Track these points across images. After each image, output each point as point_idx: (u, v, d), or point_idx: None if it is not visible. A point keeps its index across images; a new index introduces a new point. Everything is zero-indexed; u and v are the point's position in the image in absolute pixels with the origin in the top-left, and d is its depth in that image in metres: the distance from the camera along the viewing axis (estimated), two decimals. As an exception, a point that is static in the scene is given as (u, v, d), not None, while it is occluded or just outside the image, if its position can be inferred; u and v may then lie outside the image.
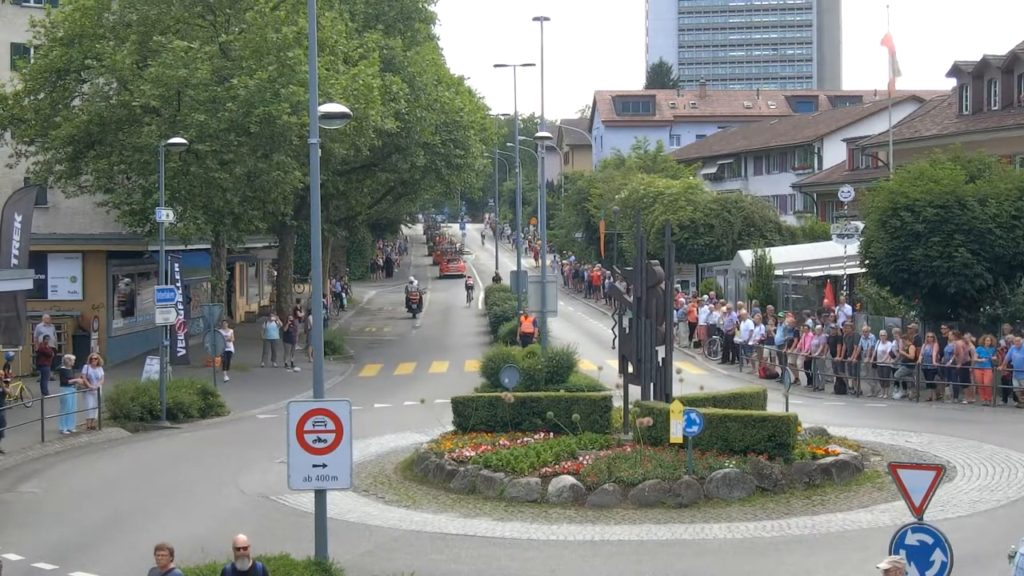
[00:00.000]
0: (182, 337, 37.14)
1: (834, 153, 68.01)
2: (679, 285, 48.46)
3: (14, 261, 32.47)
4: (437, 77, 48.59)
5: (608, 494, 20.10)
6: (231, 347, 37.60)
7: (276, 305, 47.61)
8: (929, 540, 10.87)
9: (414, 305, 59.80)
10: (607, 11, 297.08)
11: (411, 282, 63.95)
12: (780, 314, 37.49)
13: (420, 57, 47.09)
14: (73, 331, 39.50)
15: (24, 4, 40.76)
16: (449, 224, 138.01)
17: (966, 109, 45.65)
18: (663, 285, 23.63)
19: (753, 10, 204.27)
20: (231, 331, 38.50)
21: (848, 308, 36.48)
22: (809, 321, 35.26)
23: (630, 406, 23.73)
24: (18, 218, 32.70)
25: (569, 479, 20.56)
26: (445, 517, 19.86)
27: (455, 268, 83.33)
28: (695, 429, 20.34)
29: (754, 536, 18.19)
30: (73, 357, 30.48)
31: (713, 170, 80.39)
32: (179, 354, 36.67)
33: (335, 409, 14.86)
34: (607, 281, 56.87)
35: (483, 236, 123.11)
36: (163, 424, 30.35)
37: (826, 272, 40.91)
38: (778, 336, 35.80)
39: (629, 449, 21.98)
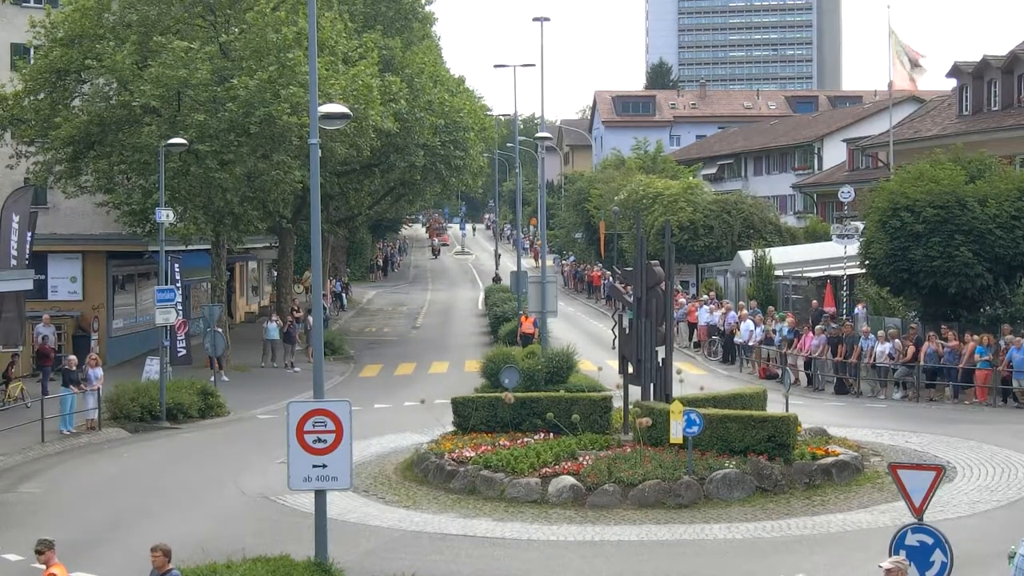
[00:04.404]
0: (182, 337, 37.13)
1: (834, 153, 68.05)
2: (680, 285, 48.48)
3: (12, 262, 32.45)
4: (435, 78, 48.61)
5: (608, 494, 20.10)
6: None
7: (276, 305, 47.62)
8: (929, 540, 10.87)
9: (436, 253, 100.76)
10: (607, 11, 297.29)
11: (433, 241, 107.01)
12: (780, 315, 37.50)
13: (416, 58, 47.11)
14: (73, 331, 39.50)
15: (24, 4, 40.74)
16: (449, 224, 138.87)
17: (966, 109, 45.65)
18: (663, 285, 23.64)
19: (753, 10, 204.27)
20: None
21: (859, 309, 36.54)
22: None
23: (630, 407, 23.73)
24: (15, 218, 32.67)
25: (569, 479, 20.56)
26: (445, 517, 19.86)
27: (440, 240, 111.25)
28: (695, 429, 20.34)
29: (754, 536, 18.19)
30: (75, 358, 30.44)
31: (713, 170, 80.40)
32: (180, 354, 36.65)
33: (335, 409, 14.85)
34: (607, 281, 56.87)
35: (474, 229, 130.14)
36: (163, 424, 30.35)
37: (826, 273, 40.91)
38: (778, 337, 35.82)
39: (629, 449, 21.98)
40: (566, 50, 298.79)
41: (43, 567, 12.69)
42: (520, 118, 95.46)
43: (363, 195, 53.00)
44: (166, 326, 32.54)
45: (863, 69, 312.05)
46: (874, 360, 32.18)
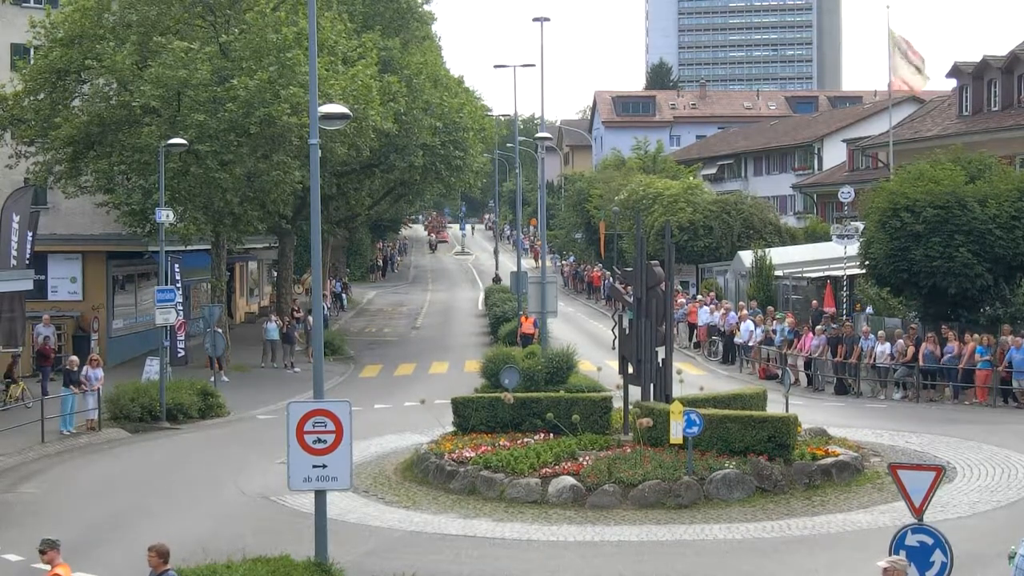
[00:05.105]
0: (182, 338, 37.11)
1: (834, 154, 68.06)
2: (680, 286, 48.47)
3: (12, 262, 32.46)
4: (434, 78, 48.61)
5: (608, 495, 20.10)
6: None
7: (276, 305, 47.63)
8: (929, 541, 10.87)
9: (433, 248, 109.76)
10: (607, 11, 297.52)
11: (431, 236, 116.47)
12: (780, 315, 37.51)
13: (413, 59, 47.09)
14: (73, 332, 39.49)
15: (24, 4, 40.72)
16: (450, 224, 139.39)
17: (966, 110, 45.65)
18: (663, 286, 23.63)
19: (753, 10, 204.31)
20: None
21: (869, 309, 36.58)
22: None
23: (630, 407, 23.72)
24: (15, 218, 32.68)
25: (569, 480, 20.56)
26: (445, 518, 19.86)
27: (440, 237, 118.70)
28: (695, 430, 20.34)
29: (754, 537, 18.19)
30: (76, 359, 30.42)
31: (713, 171, 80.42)
32: (178, 355, 36.62)
33: (335, 410, 14.85)
34: (607, 282, 56.88)
35: (472, 229, 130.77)
36: (163, 425, 30.35)
37: (826, 273, 40.92)
38: (777, 337, 35.82)
39: (629, 450, 21.97)
40: (566, 50, 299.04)
41: (47, 567, 12.66)
42: (520, 118, 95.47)
43: (363, 195, 53.01)
44: (166, 326, 32.54)
45: (863, 69, 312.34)
46: (874, 360, 32.19)
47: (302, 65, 34.03)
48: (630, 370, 23.98)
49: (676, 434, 20.50)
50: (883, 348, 31.81)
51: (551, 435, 23.29)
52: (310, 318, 39.45)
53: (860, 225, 36.60)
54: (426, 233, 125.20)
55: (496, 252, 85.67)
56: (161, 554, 12.55)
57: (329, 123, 18.40)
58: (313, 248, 16.76)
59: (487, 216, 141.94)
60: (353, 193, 51.19)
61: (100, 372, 30.01)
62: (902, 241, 31.84)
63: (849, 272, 38.06)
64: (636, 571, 16.68)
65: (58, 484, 23.57)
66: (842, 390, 32.86)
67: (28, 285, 33.66)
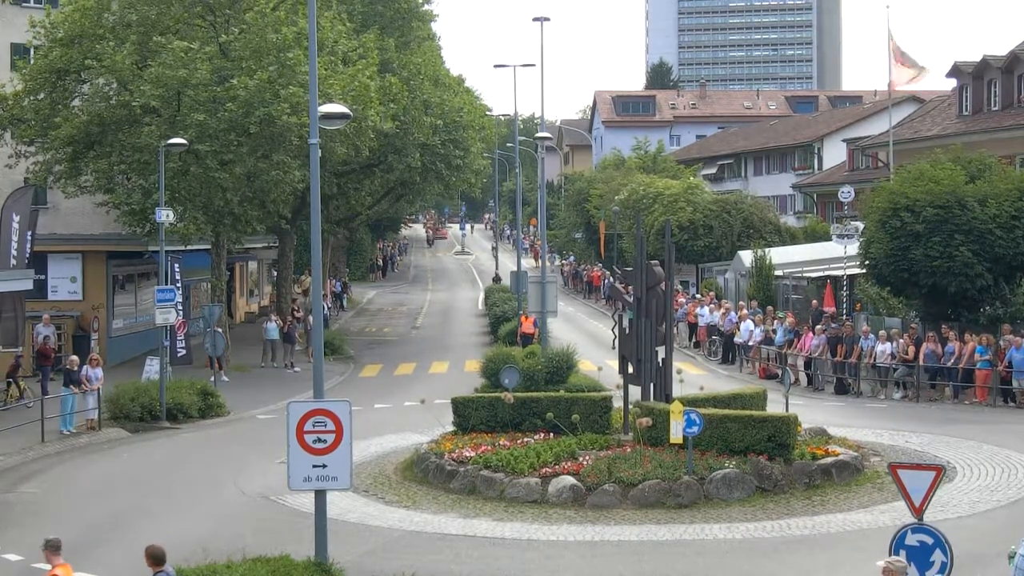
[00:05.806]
0: (182, 337, 37.11)
1: (834, 153, 68.07)
2: (680, 285, 48.48)
3: (12, 262, 32.45)
4: (435, 78, 48.54)
5: (608, 494, 20.10)
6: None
7: (276, 305, 47.63)
8: (929, 540, 10.87)
9: (431, 244, 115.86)
10: (607, 11, 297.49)
11: (428, 232, 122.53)
12: (780, 315, 37.50)
13: (412, 59, 47.06)
14: (73, 331, 39.49)
15: (24, 4, 40.71)
16: (449, 225, 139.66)
17: (966, 109, 45.64)
18: (663, 285, 23.63)
19: (753, 10, 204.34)
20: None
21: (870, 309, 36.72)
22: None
23: (630, 407, 23.72)
24: (15, 218, 32.67)
25: (569, 479, 20.56)
26: (445, 517, 19.86)
27: (440, 234, 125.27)
28: (695, 429, 20.33)
29: (754, 536, 18.19)
30: (76, 358, 30.41)
31: (713, 170, 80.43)
32: (180, 354, 36.62)
33: (335, 409, 14.85)
34: (607, 281, 56.89)
35: (472, 228, 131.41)
36: (163, 424, 30.34)
37: (826, 273, 40.91)
38: (778, 337, 35.82)
39: (629, 449, 21.97)
40: (566, 50, 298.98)
41: (49, 566, 12.63)
42: (520, 118, 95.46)
43: (363, 195, 53.01)
44: (166, 326, 32.53)
45: (863, 69, 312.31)
46: (874, 360, 32.19)
47: (302, 65, 34.03)
48: (630, 370, 23.98)
49: (676, 434, 20.50)
50: (883, 348, 31.81)
51: (551, 435, 23.29)
52: (310, 318, 39.45)
53: (860, 225, 36.59)
54: (425, 231, 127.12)
55: (496, 252, 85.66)
56: (152, 556, 12.36)
57: (329, 123, 18.41)
58: (313, 248, 16.75)
59: (487, 216, 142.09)
60: (353, 193, 51.18)
61: (100, 372, 30.00)
62: (902, 241, 31.83)
63: (849, 272, 38.04)
64: (636, 571, 16.68)
65: (58, 484, 23.57)
66: (842, 390, 32.86)
67: (28, 285, 33.65)
